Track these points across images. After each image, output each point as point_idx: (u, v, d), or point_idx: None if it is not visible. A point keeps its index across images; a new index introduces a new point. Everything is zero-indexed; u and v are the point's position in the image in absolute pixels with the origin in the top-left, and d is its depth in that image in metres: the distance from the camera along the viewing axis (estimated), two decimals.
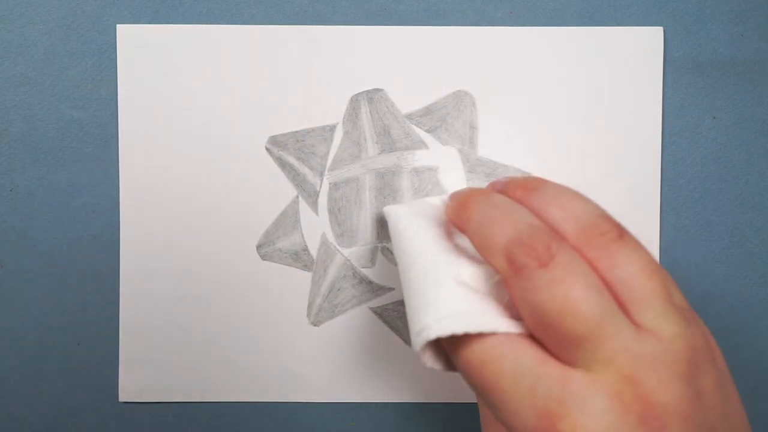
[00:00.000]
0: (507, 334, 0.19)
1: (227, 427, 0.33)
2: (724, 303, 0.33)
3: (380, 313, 0.33)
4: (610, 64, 0.32)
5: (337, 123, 0.32)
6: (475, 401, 0.32)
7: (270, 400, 0.33)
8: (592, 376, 0.18)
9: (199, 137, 0.32)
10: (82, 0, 0.32)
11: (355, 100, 0.32)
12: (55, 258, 0.32)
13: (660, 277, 0.19)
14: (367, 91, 0.32)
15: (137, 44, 0.32)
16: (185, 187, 0.32)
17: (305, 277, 0.32)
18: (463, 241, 0.23)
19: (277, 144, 0.32)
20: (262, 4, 0.32)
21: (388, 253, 0.32)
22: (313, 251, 0.32)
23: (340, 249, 0.32)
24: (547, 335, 0.19)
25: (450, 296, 0.20)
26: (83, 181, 0.32)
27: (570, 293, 0.18)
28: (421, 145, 0.32)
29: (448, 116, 0.32)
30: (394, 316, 0.33)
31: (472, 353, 0.19)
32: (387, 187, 0.32)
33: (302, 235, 0.32)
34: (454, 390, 0.33)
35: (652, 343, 0.18)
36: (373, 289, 0.33)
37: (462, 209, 0.22)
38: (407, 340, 0.33)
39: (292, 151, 0.32)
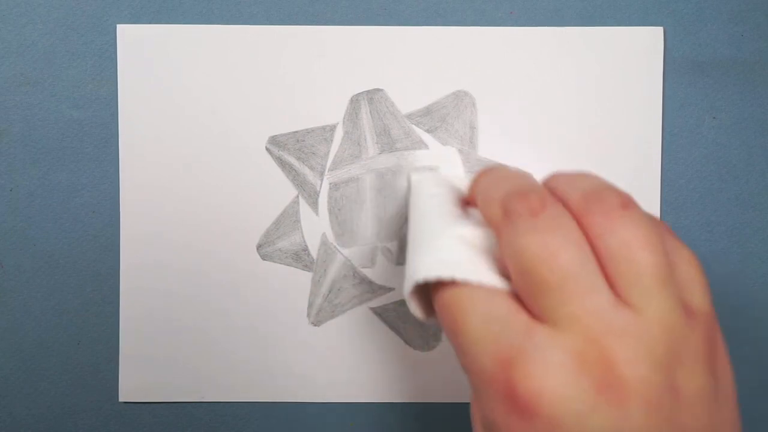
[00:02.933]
0: (489, 286, 0.19)
1: (227, 427, 0.33)
2: (724, 303, 0.33)
3: (380, 313, 0.33)
4: (610, 64, 0.32)
5: (338, 123, 0.32)
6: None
7: (270, 400, 0.33)
8: (557, 331, 0.18)
9: (199, 137, 0.32)
10: (82, 0, 0.32)
11: (355, 100, 0.32)
12: (55, 258, 0.32)
13: (656, 254, 0.18)
14: (367, 91, 0.32)
15: (137, 44, 0.32)
16: (185, 187, 0.32)
17: (305, 277, 0.32)
18: (476, 213, 0.24)
19: (277, 144, 0.32)
20: (262, 4, 0.32)
21: (388, 253, 0.32)
22: (313, 251, 0.32)
23: (340, 249, 0.32)
24: (523, 284, 0.19)
25: (445, 247, 0.21)
26: (83, 181, 0.32)
27: (550, 242, 0.18)
28: (421, 145, 0.32)
29: (448, 116, 0.32)
30: (394, 316, 0.33)
31: (451, 296, 0.20)
32: (387, 187, 0.32)
33: (302, 235, 0.32)
34: (454, 390, 0.33)
35: (629, 316, 0.18)
36: (373, 289, 0.33)
37: (475, 179, 0.23)
38: (407, 340, 0.33)
39: (293, 151, 0.32)
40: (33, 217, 0.32)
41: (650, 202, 0.32)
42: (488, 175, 0.22)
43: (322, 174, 0.32)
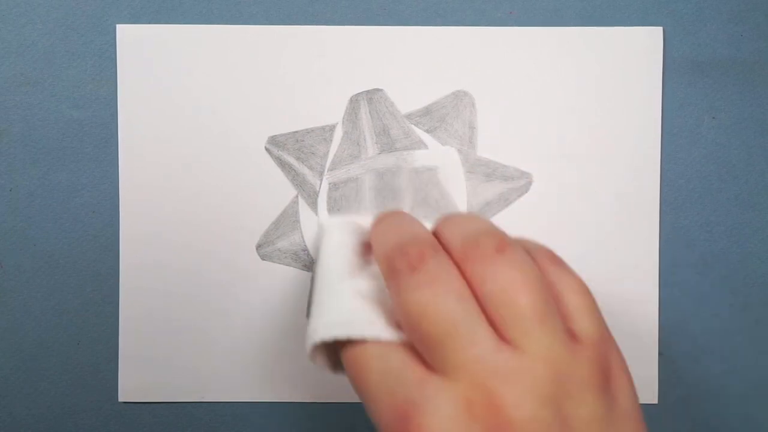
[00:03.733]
0: (386, 341, 0.20)
1: (227, 427, 0.33)
2: (723, 303, 0.33)
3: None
4: (609, 64, 0.32)
5: (337, 123, 0.32)
6: None
7: (270, 400, 0.33)
8: (446, 381, 0.18)
9: (199, 137, 0.32)
10: (82, 0, 0.32)
11: (354, 100, 0.32)
12: (55, 258, 0.32)
13: (532, 293, 0.19)
14: (367, 91, 0.32)
15: (137, 44, 0.32)
16: (185, 187, 0.32)
17: (305, 277, 0.32)
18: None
19: (276, 144, 0.32)
20: (262, 4, 0.32)
21: None
22: (314, 251, 0.32)
23: None
24: (413, 338, 0.19)
25: (341, 305, 0.22)
26: (83, 181, 0.32)
27: (430, 297, 0.19)
28: (421, 145, 0.32)
29: (448, 116, 0.32)
30: None
31: (351, 354, 0.21)
32: (386, 187, 0.32)
33: (302, 235, 0.32)
34: None
35: (512, 357, 0.18)
36: None
37: (373, 225, 0.24)
38: None
39: (292, 151, 0.32)
40: (33, 217, 0.32)
41: (650, 202, 0.32)
42: (379, 225, 0.23)
43: (321, 174, 0.32)
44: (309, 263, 0.33)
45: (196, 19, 0.32)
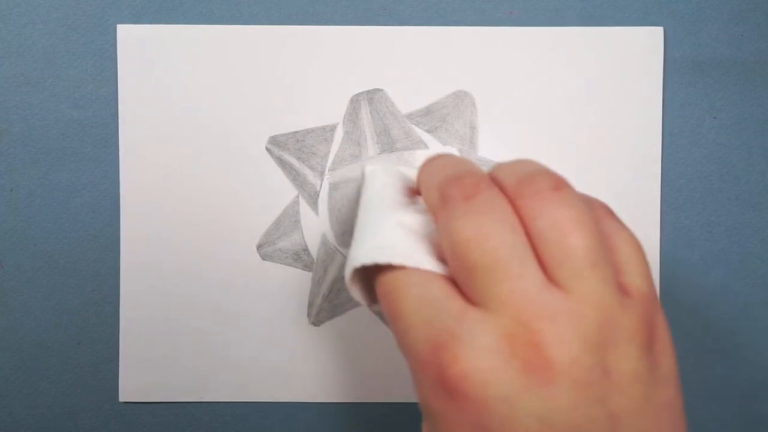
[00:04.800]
0: (427, 270, 0.20)
1: (227, 427, 0.33)
2: (723, 303, 0.33)
3: (380, 313, 0.33)
4: (610, 64, 0.32)
5: (338, 123, 0.32)
6: None
7: (270, 400, 0.33)
8: (488, 314, 0.18)
9: (200, 137, 0.32)
10: (82, 0, 0.32)
11: (355, 100, 0.32)
12: (55, 258, 0.32)
13: (586, 235, 0.18)
14: (367, 91, 0.32)
15: (137, 44, 0.32)
16: (185, 187, 0.32)
17: (305, 277, 0.32)
18: (422, 202, 0.24)
19: (277, 144, 0.32)
20: (262, 4, 0.32)
21: None
22: (313, 251, 0.32)
23: (340, 249, 0.32)
24: (457, 267, 0.19)
25: (384, 233, 0.21)
26: (83, 181, 0.32)
27: (481, 225, 0.18)
28: (421, 145, 0.32)
29: (449, 116, 0.32)
30: None
31: (389, 280, 0.20)
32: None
33: (302, 235, 0.32)
34: None
35: (559, 297, 0.18)
36: None
37: (421, 167, 0.23)
38: None
39: (293, 151, 0.32)
40: (33, 217, 0.32)
41: (650, 202, 0.32)
42: (431, 163, 0.23)
43: (322, 174, 0.32)
44: (309, 263, 0.33)
45: (196, 19, 0.32)
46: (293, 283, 0.32)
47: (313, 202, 0.32)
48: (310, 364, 0.32)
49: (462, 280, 0.19)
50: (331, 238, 0.32)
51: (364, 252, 0.21)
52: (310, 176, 0.32)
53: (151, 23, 0.32)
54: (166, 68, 0.32)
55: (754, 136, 0.33)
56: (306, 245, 0.32)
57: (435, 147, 0.32)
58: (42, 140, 0.32)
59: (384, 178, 0.25)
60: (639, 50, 0.32)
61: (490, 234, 0.18)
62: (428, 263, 0.20)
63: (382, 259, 0.20)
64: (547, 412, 0.17)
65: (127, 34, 0.32)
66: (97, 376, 0.33)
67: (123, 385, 0.32)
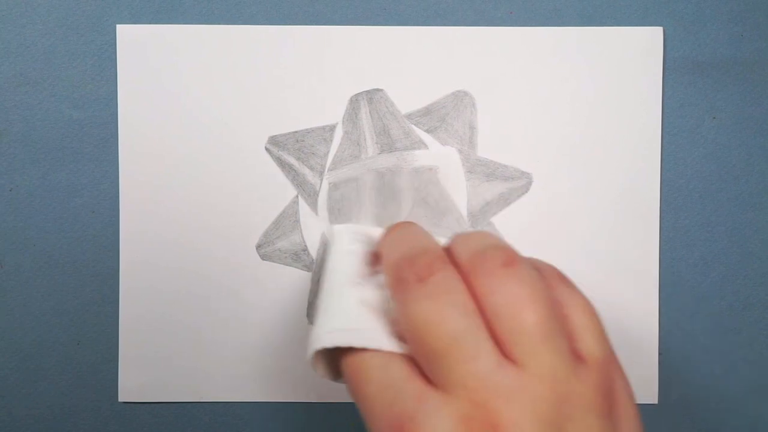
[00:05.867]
0: (387, 352, 0.20)
1: (227, 427, 0.33)
2: (723, 303, 0.33)
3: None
4: (610, 64, 0.32)
5: (337, 123, 0.32)
6: None
7: (270, 400, 0.33)
8: (447, 396, 0.18)
9: (199, 137, 0.32)
10: (82, 0, 0.32)
11: (354, 100, 0.32)
12: (55, 258, 0.32)
13: (538, 310, 0.18)
14: (367, 91, 0.32)
15: (137, 44, 0.32)
16: (185, 187, 0.32)
17: (305, 277, 0.32)
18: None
19: (277, 144, 0.32)
20: (262, 4, 0.32)
21: None
22: (313, 251, 0.32)
23: None
24: (416, 350, 0.19)
25: (345, 313, 0.22)
26: (83, 181, 0.32)
27: (435, 309, 0.19)
28: (421, 145, 0.32)
29: (448, 116, 0.32)
30: None
31: (352, 362, 0.20)
32: (387, 187, 0.32)
33: (302, 235, 0.32)
34: None
35: (514, 375, 0.18)
36: None
37: (384, 235, 0.23)
38: None
39: (292, 151, 0.32)
40: (33, 217, 0.32)
41: (650, 202, 0.32)
42: (390, 236, 0.23)
43: (321, 174, 0.32)
44: (309, 263, 0.33)
45: (196, 19, 0.32)
46: (293, 283, 0.32)
47: (313, 202, 0.32)
48: (309, 364, 0.32)
49: (421, 361, 0.19)
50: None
51: (326, 333, 0.21)
52: (310, 176, 0.32)
53: (150, 23, 0.32)
54: (165, 68, 0.32)
55: (753, 136, 0.33)
56: (306, 245, 0.32)
57: (435, 147, 0.32)
58: (42, 140, 0.32)
59: (349, 245, 0.25)
60: (639, 50, 0.32)
61: (444, 318, 0.19)
62: (389, 343, 0.20)
63: (343, 342, 0.20)
64: None
65: (127, 34, 0.32)
66: (97, 376, 0.33)
67: (122, 385, 0.32)
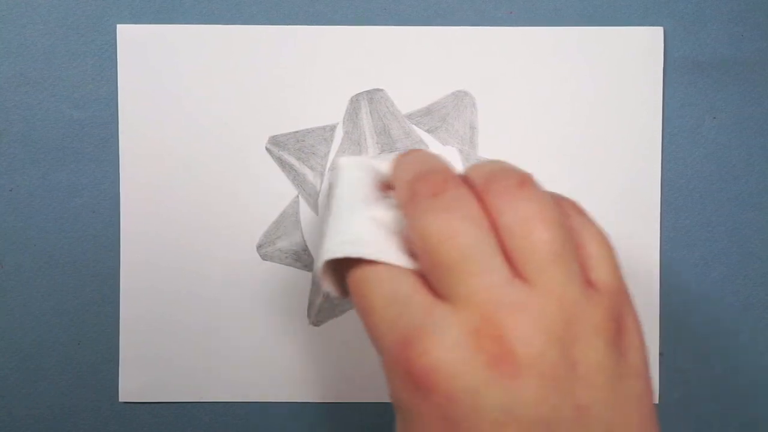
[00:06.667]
0: (396, 265, 0.20)
1: (227, 427, 0.33)
2: (723, 303, 0.33)
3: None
4: (610, 64, 0.32)
5: (338, 123, 0.32)
6: None
7: (270, 400, 0.33)
8: (455, 309, 0.18)
9: (200, 137, 0.32)
10: (82, 0, 0.32)
11: (355, 100, 0.32)
12: (55, 258, 0.32)
13: (551, 228, 0.18)
14: (367, 91, 0.32)
15: (137, 44, 0.32)
16: (185, 187, 0.32)
17: (305, 277, 0.32)
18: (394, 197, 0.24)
19: (277, 144, 0.32)
20: (262, 4, 0.32)
21: None
22: (313, 251, 0.32)
23: None
24: (426, 263, 0.19)
25: (356, 227, 0.21)
26: (83, 181, 0.32)
27: (450, 221, 0.19)
28: (421, 145, 0.32)
29: (449, 116, 0.32)
30: None
31: (360, 275, 0.20)
32: None
33: (302, 235, 0.32)
34: None
35: (524, 291, 0.18)
36: None
37: (397, 158, 0.23)
38: None
39: (293, 151, 0.32)
40: (33, 217, 0.32)
41: (650, 202, 0.32)
42: (403, 158, 0.23)
43: (322, 174, 0.32)
44: (309, 263, 0.33)
45: (196, 19, 0.32)
46: (293, 283, 0.32)
47: (313, 202, 0.32)
48: (310, 364, 0.32)
49: (431, 275, 0.19)
50: None
51: (335, 244, 0.21)
52: (310, 176, 0.32)
53: (151, 23, 0.32)
54: (165, 68, 0.32)
55: (754, 136, 0.33)
56: (306, 245, 0.32)
57: (435, 147, 0.32)
58: (42, 140, 0.32)
59: (357, 171, 0.25)
60: (639, 50, 0.32)
61: (457, 230, 0.18)
62: (398, 259, 0.20)
63: (353, 253, 0.20)
64: (512, 405, 0.17)
65: (127, 34, 0.32)
66: (97, 376, 0.33)
67: (123, 385, 0.32)
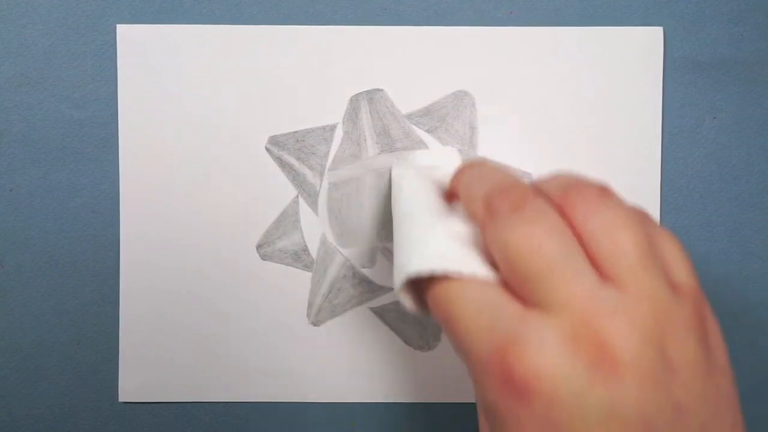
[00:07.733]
0: (483, 277, 0.20)
1: (227, 427, 0.33)
2: (723, 303, 0.33)
3: (380, 313, 0.33)
4: (610, 64, 0.32)
5: (337, 123, 0.32)
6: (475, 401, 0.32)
7: (270, 400, 0.33)
8: (549, 317, 0.18)
9: (199, 137, 0.32)
10: (82, 0, 0.32)
11: (355, 100, 0.32)
12: (55, 258, 0.32)
13: (636, 234, 0.19)
14: (367, 91, 0.32)
15: (137, 44, 0.32)
16: (185, 187, 0.32)
17: (305, 277, 0.32)
18: (459, 207, 0.24)
19: (277, 144, 0.32)
20: (262, 4, 0.32)
21: (388, 253, 0.32)
22: (313, 251, 0.32)
23: (340, 249, 0.32)
24: (511, 274, 0.19)
25: (435, 241, 0.21)
26: (83, 181, 0.32)
27: (533, 233, 0.19)
28: (421, 145, 0.32)
29: (448, 116, 0.32)
30: (394, 316, 0.33)
31: (445, 289, 0.20)
32: (387, 187, 0.32)
33: (302, 235, 0.32)
34: (454, 390, 0.33)
35: (615, 293, 0.18)
36: (373, 289, 0.33)
37: (457, 175, 0.24)
38: (407, 340, 0.33)
39: (292, 151, 0.32)
40: (33, 217, 0.32)
41: (650, 202, 0.32)
42: (470, 171, 0.23)
43: (322, 174, 0.32)
44: (309, 263, 0.33)
45: (196, 19, 0.32)
46: (293, 283, 0.32)
47: (313, 202, 0.32)
48: (309, 364, 0.32)
49: (518, 286, 0.19)
50: (331, 238, 0.32)
51: (417, 261, 0.21)
52: (310, 176, 0.32)
53: (151, 23, 0.32)
54: (165, 68, 0.32)
55: (754, 136, 0.33)
56: (306, 245, 0.32)
57: (435, 147, 0.32)
58: (42, 140, 0.32)
59: (414, 182, 0.25)
60: (639, 50, 0.32)
61: (542, 241, 0.19)
62: (481, 270, 0.20)
63: (438, 267, 0.20)
64: (615, 405, 0.17)
65: (127, 34, 0.32)
66: (97, 376, 0.33)
67: (122, 385, 0.32)
